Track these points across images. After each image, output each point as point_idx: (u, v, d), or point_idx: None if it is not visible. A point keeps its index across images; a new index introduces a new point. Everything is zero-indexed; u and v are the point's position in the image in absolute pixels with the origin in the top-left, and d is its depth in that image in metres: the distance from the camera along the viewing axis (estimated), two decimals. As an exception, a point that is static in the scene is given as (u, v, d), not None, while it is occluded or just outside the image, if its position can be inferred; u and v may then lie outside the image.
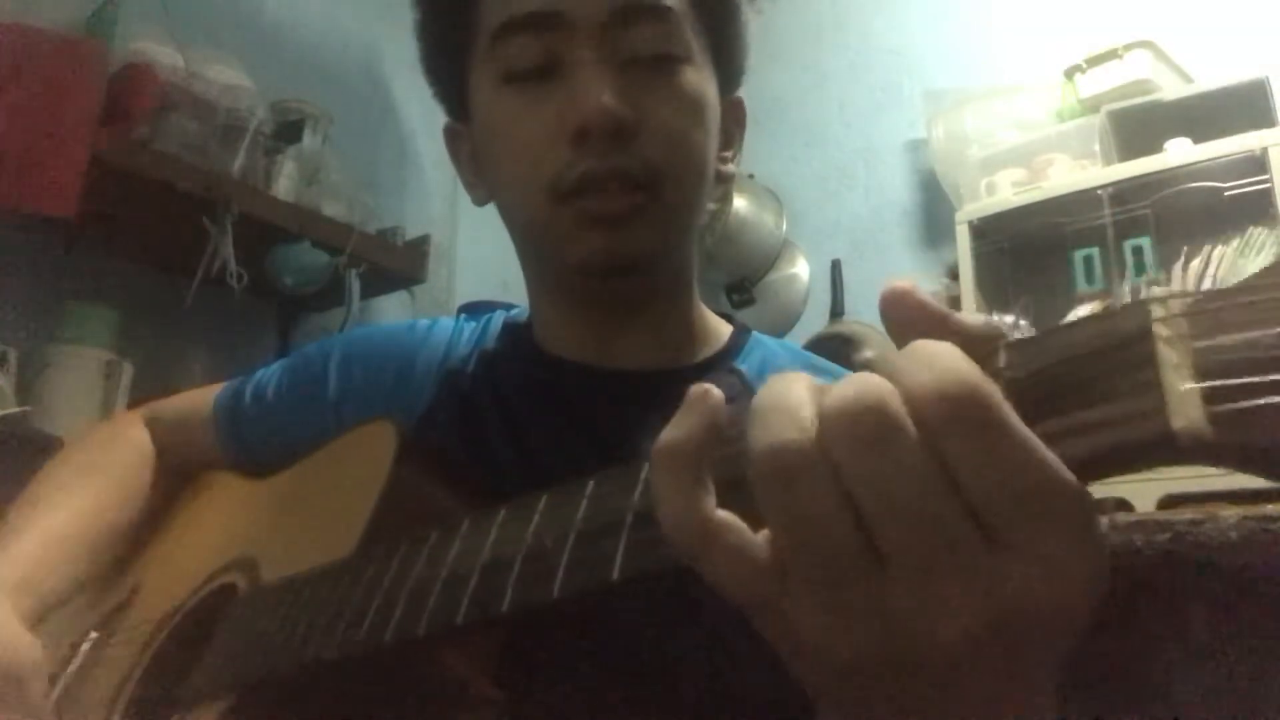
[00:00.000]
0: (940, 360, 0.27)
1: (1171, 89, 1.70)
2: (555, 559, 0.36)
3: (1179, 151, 1.63)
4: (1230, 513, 1.10)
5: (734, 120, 0.71)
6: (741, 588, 0.29)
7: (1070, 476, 0.26)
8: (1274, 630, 1.22)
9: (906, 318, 0.30)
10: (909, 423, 0.26)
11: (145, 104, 1.59)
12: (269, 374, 0.78)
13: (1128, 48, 1.72)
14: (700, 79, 0.63)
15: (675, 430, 0.31)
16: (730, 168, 0.70)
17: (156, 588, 0.71)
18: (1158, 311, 0.25)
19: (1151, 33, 1.74)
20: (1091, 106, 1.75)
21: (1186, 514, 1.14)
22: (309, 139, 1.90)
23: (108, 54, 1.56)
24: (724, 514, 0.29)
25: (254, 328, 1.97)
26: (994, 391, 0.26)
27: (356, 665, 0.44)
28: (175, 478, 0.81)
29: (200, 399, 0.81)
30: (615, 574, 0.33)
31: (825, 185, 2.21)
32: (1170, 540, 1.12)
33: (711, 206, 2.10)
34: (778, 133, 2.26)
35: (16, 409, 1.48)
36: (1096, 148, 1.71)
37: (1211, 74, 1.70)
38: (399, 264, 1.96)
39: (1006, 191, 1.79)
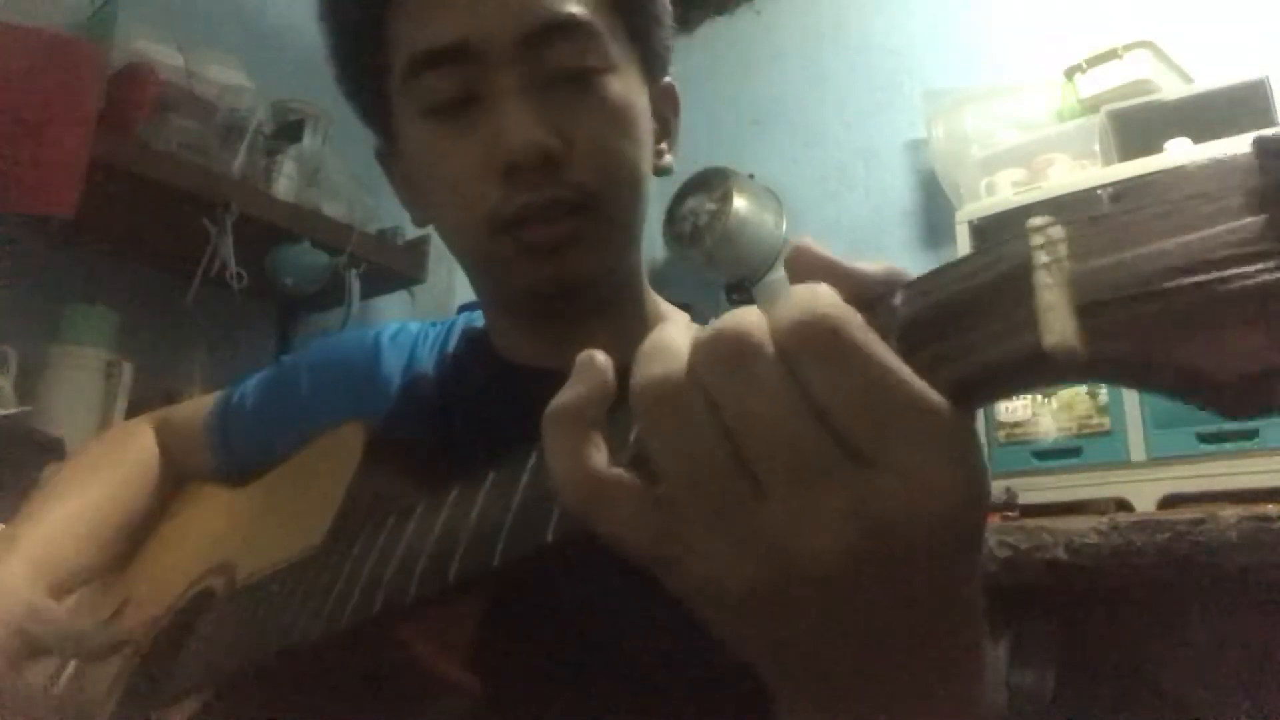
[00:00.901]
0: (803, 295, 0.29)
1: (1171, 89, 1.70)
2: (497, 530, 0.37)
3: (1179, 151, 1.63)
4: (1230, 513, 1.10)
5: (668, 108, 0.70)
6: (635, 536, 0.30)
7: (933, 394, 0.27)
8: (1274, 630, 1.22)
9: (804, 269, 0.32)
10: (768, 348, 0.28)
11: (145, 104, 1.58)
12: (250, 385, 0.81)
13: (1128, 48, 1.72)
14: (625, 86, 0.62)
15: (564, 393, 0.33)
16: (668, 159, 0.69)
17: (143, 599, 0.73)
18: (1036, 239, 0.26)
19: (1151, 33, 1.73)
20: (1091, 106, 1.75)
21: (1186, 514, 1.14)
22: (309, 139, 1.90)
23: (108, 54, 1.56)
24: (613, 469, 0.31)
25: (254, 328, 1.97)
26: (848, 317, 0.27)
27: (328, 655, 0.45)
28: (178, 482, 0.83)
29: (200, 407, 0.84)
30: (549, 536, 0.35)
31: (825, 185, 2.21)
32: (1170, 540, 1.12)
33: (711, 206, 2.10)
34: (778, 133, 2.26)
35: (16, 409, 1.48)
36: (1096, 148, 1.71)
37: (1211, 74, 1.70)
38: (399, 264, 1.96)
39: (1006, 191, 1.79)
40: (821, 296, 0.28)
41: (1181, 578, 1.19)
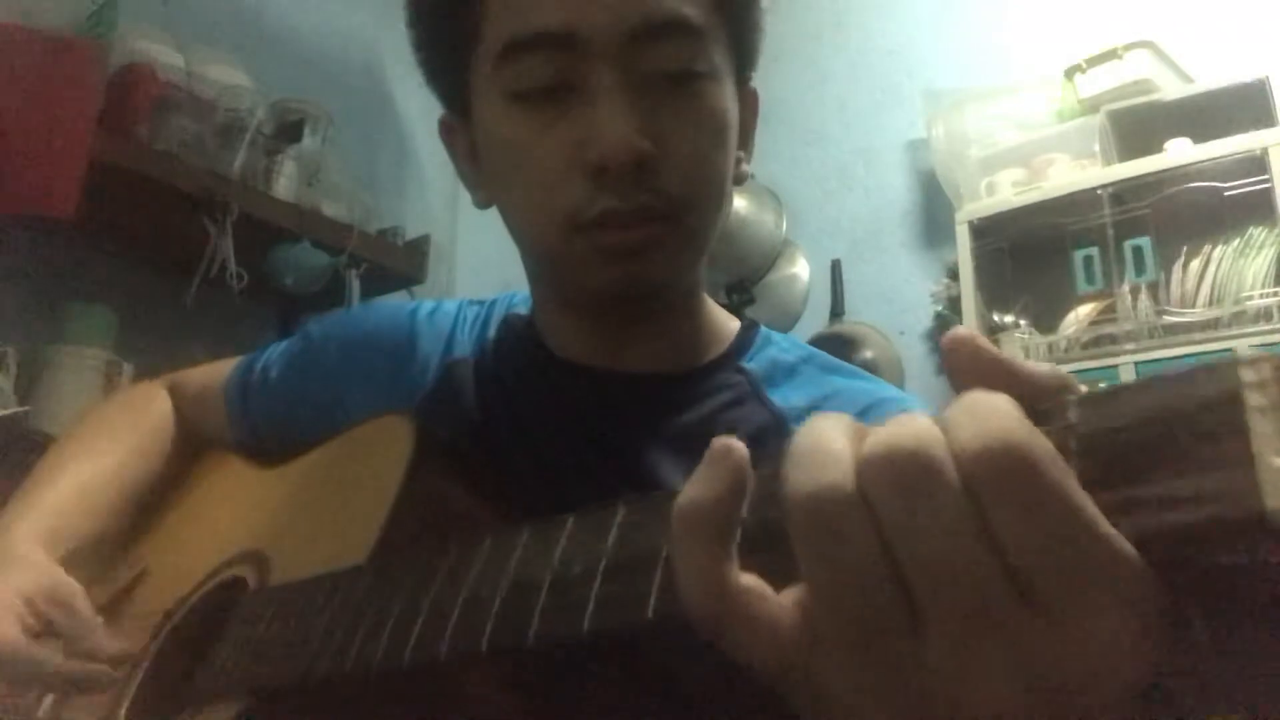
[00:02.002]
0: (989, 416, 0.25)
1: (1171, 89, 1.70)
2: (584, 591, 0.34)
3: (1179, 151, 1.63)
4: (1230, 513, 1.10)
5: (749, 114, 0.68)
6: (767, 657, 0.28)
7: (1128, 549, 0.24)
8: (1274, 630, 1.22)
9: (966, 366, 0.29)
10: (952, 474, 0.25)
11: (145, 104, 1.59)
12: (274, 356, 0.79)
13: (1128, 48, 1.72)
14: (723, 94, 0.60)
15: (696, 490, 0.29)
16: (746, 167, 0.67)
17: (164, 574, 0.72)
18: (1248, 375, 0.22)
19: (1151, 33, 1.74)
20: (1091, 106, 1.75)
21: (1186, 514, 1.14)
22: (309, 139, 1.90)
23: (108, 54, 1.56)
24: (748, 581, 0.28)
25: (254, 328, 1.96)
26: (1044, 454, 0.24)
27: (379, 682, 0.44)
28: (193, 447, 0.82)
29: (218, 372, 0.82)
30: (650, 613, 0.31)
31: (825, 185, 2.21)
32: (1170, 540, 1.12)
33: (712, 207, 2.10)
34: (778, 133, 2.26)
35: (17, 409, 1.48)
36: (1096, 148, 1.71)
37: (1211, 74, 1.70)
38: (399, 264, 1.97)
39: (1006, 191, 1.79)
40: (1015, 423, 0.25)
41: (1181, 578, 1.18)
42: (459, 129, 0.66)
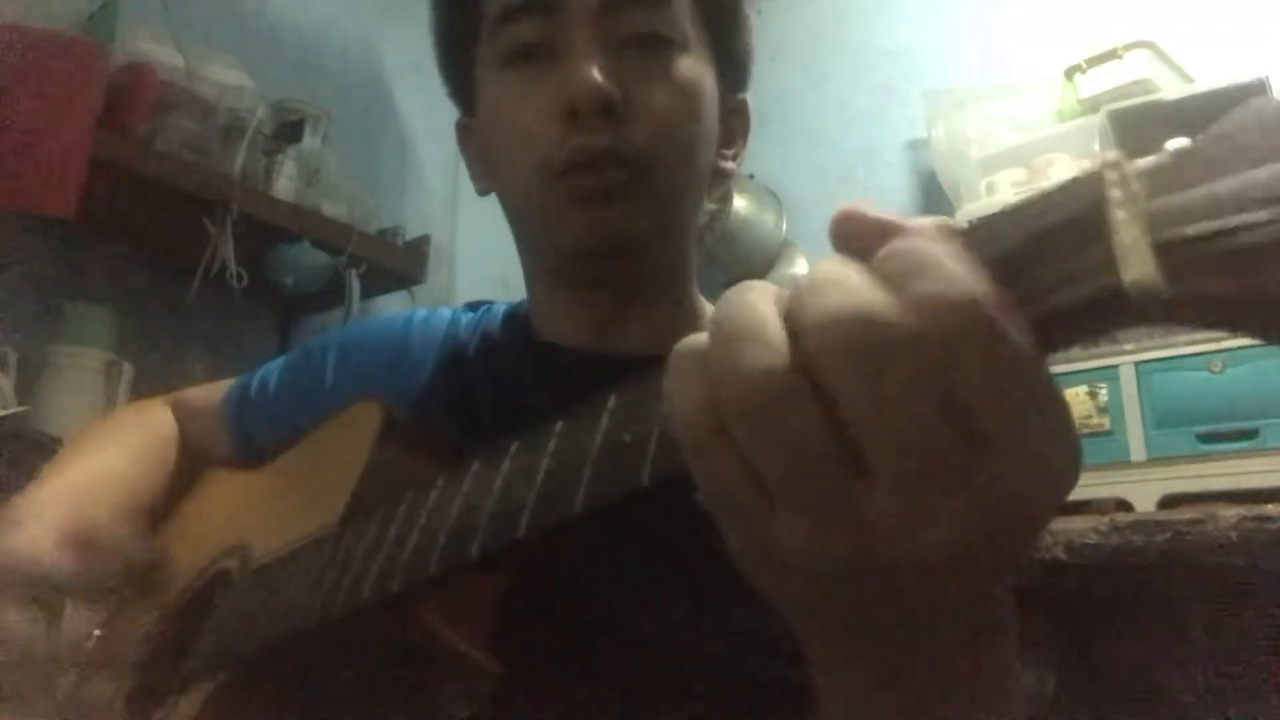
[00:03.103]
0: (937, 268, 0.25)
1: (1171, 89, 1.70)
2: (577, 474, 0.34)
3: (1179, 152, 1.63)
4: (1230, 513, 1.10)
5: (737, 120, 0.72)
6: (728, 496, 0.28)
7: (1048, 369, 0.26)
8: (1274, 630, 1.22)
9: (861, 238, 0.28)
10: (909, 336, 0.25)
11: (145, 104, 1.59)
12: (272, 369, 0.80)
13: (1128, 48, 1.72)
14: (695, 66, 0.64)
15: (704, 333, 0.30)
16: (730, 165, 0.71)
17: (154, 583, 0.72)
18: (1110, 175, 0.25)
19: (1151, 33, 1.73)
20: (1091, 106, 1.75)
21: (1186, 514, 1.14)
22: (309, 139, 1.90)
23: (108, 54, 1.56)
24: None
25: (254, 328, 1.97)
26: (994, 300, 0.25)
27: (351, 636, 0.45)
28: (193, 464, 0.82)
29: (216, 392, 0.83)
30: (645, 480, 0.32)
31: (825, 185, 2.21)
32: (1170, 540, 1.12)
33: (712, 206, 2.10)
34: (778, 133, 2.26)
35: (16, 409, 1.48)
36: (1096, 148, 1.71)
37: (1211, 74, 1.70)
38: (399, 264, 1.96)
39: (1006, 191, 1.78)
40: (962, 274, 0.25)
41: (1181, 578, 1.18)
42: (472, 129, 0.71)
